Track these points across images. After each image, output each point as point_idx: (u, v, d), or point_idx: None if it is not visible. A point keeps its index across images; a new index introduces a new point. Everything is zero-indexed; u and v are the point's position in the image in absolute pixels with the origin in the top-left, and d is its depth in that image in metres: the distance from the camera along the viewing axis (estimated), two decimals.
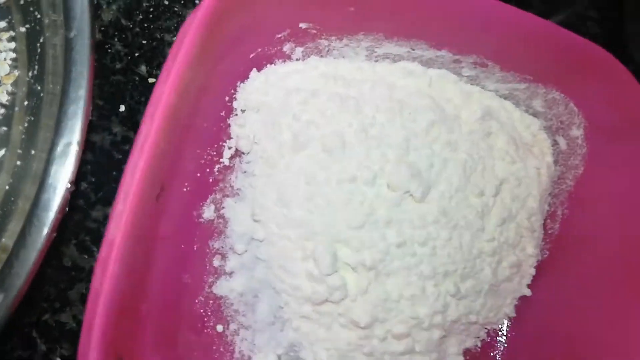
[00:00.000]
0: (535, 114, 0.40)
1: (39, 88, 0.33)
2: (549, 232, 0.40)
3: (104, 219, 0.36)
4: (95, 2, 0.38)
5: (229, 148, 0.37)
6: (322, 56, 0.39)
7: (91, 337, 0.26)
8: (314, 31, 0.37)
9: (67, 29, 0.30)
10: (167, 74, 0.28)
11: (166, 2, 0.39)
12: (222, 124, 0.37)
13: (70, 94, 0.30)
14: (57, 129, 0.30)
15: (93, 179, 0.37)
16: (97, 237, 0.36)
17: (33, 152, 0.32)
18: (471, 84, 0.40)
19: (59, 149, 0.30)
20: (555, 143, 0.40)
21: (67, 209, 0.29)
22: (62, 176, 0.29)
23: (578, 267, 0.38)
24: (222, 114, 0.37)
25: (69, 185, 0.29)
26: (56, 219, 0.29)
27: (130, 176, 0.27)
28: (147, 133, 0.27)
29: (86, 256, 0.36)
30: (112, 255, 0.26)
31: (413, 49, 0.38)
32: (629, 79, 0.33)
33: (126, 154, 0.37)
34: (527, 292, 0.39)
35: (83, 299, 0.35)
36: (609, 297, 0.35)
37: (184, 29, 0.30)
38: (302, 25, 0.37)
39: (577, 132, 0.38)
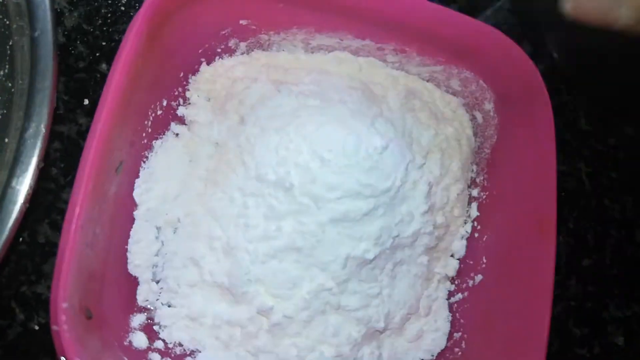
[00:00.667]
0: (454, 93, 0.46)
1: (9, 85, 0.38)
2: (474, 196, 0.45)
3: None
4: (58, 10, 0.43)
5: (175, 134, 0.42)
6: (264, 50, 0.45)
7: (59, 286, 0.30)
8: (254, 27, 0.43)
9: (32, 29, 0.36)
10: (116, 62, 0.33)
11: (122, 8, 0.45)
12: (173, 112, 0.42)
13: (37, 85, 0.35)
14: (27, 115, 0.35)
15: (62, 165, 0.42)
16: None
17: (6, 140, 0.37)
18: (397, 69, 0.46)
19: (30, 131, 0.35)
20: (473, 118, 0.46)
21: (36, 187, 0.34)
22: (33, 157, 0.34)
23: (498, 222, 0.43)
24: (174, 103, 0.43)
25: (39, 163, 0.34)
26: (27, 194, 0.34)
27: (87, 149, 0.32)
28: (100, 112, 0.32)
29: (58, 233, 0.40)
30: (74, 220, 0.31)
31: (342, 40, 0.43)
32: (520, 54, 0.39)
33: None
34: (458, 250, 0.44)
35: None
36: (522, 245, 0.41)
37: (132, 23, 0.36)
38: (242, 22, 0.42)
39: (488, 106, 0.44)
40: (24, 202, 0.33)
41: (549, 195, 0.39)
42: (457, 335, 0.43)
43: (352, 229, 0.39)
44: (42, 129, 0.34)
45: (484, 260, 0.43)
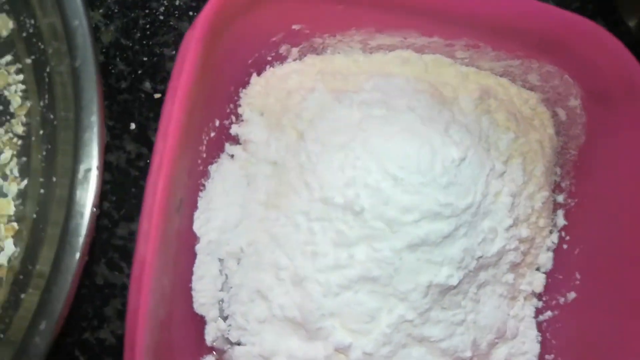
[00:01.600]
0: (532, 88, 0.41)
1: (51, 116, 0.35)
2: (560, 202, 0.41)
3: (130, 235, 0.38)
4: (93, 25, 0.40)
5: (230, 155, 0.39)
6: (317, 54, 0.41)
7: (134, 350, 0.28)
8: (307, 31, 0.39)
9: (72, 58, 0.32)
10: (174, 94, 0.30)
11: (161, 18, 0.41)
12: (226, 131, 0.39)
13: (84, 121, 0.32)
14: (76, 156, 0.32)
15: (114, 198, 0.39)
16: (125, 253, 0.38)
17: (54, 179, 0.34)
18: (466, 65, 0.41)
19: (80, 175, 0.32)
20: (555, 114, 0.41)
21: (94, 231, 0.31)
22: (87, 201, 0.32)
23: (593, 233, 0.39)
24: (226, 122, 0.39)
25: (94, 209, 0.31)
26: (86, 242, 0.31)
27: (152, 195, 0.29)
28: (162, 153, 0.29)
29: (117, 273, 0.38)
30: (145, 272, 0.28)
31: (405, 38, 0.39)
32: (618, 47, 0.34)
33: (142, 170, 0.39)
34: (544, 263, 0.41)
35: (119, 314, 0.37)
36: (622, 261, 0.37)
37: (183, 46, 0.32)
38: (295, 26, 0.38)
39: (574, 102, 0.39)
40: (82, 255, 0.31)
41: None
42: (548, 357, 0.39)
43: (432, 253, 0.36)
44: (95, 172, 0.31)
45: (578, 276, 0.39)
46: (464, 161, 0.36)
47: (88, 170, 0.32)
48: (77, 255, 0.31)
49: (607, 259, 0.38)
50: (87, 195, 0.32)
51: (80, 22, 0.32)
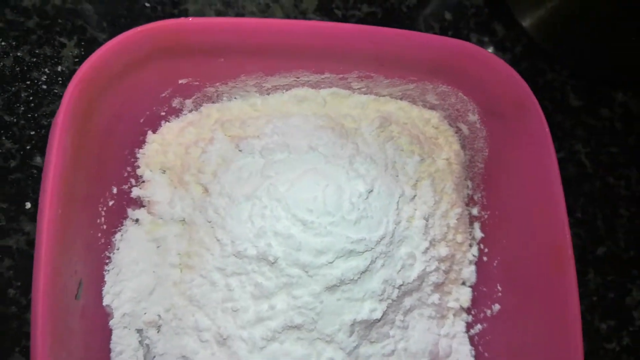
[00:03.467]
0: (433, 107, 0.42)
1: None
2: (475, 215, 0.42)
3: None
4: None
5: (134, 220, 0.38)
6: (213, 102, 0.40)
7: None
8: (196, 83, 0.38)
9: None
10: (44, 186, 0.28)
11: (44, 87, 0.39)
12: (126, 196, 0.37)
13: None
14: None
15: (18, 283, 0.37)
16: None
17: None
18: (364, 94, 0.41)
19: None
20: (458, 130, 0.42)
21: None
22: None
23: (507, 243, 0.40)
24: (126, 187, 0.38)
25: None
26: None
27: (36, 280, 0.28)
28: (39, 233, 0.28)
29: None
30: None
31: (298, 77, 0.39)
32: (502, 66, 0.35)
33: None
34: (469, 277, 0.41)
35: None
36: (538, 268, 0.38)
37: (54, 120, 0.31)
38: (182, 81, 0.37)
39: (473, 117, 0.40)
40: None
41: (558, 210, 0.35)
42: None
43: (352, 291, 0.36)
44: None
45: (499, 288, 0.40)
46: (371, 193, 0.36)
47: None
48: None
49: (522, 265, 0.38)
50: None
51: None
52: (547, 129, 0.34)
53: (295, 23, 0.33)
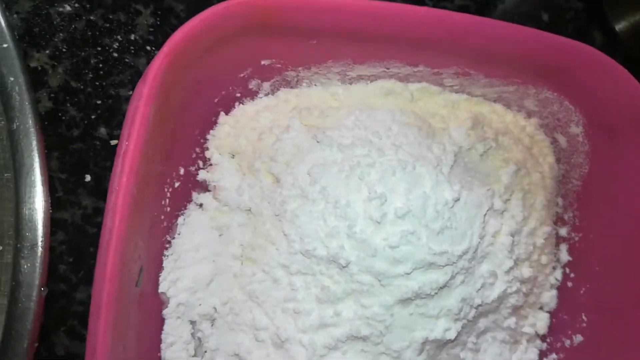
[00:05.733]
0: (529, 114, 0.38)
1: None
2: (563, 236, 0.39)
3: (90, 299, 0.35)
4: (39, 68, 0.36)
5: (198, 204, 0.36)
6: (292, 87, 0.38)
7: None
8: (279, 65, 0.35)
9: (9, 121, 0.29)
10: (126, 145, 0.26)
11: (115, 55, 0.38)
12: (192, 179, 0.35)
13: (24, 194, 0.29)
14: (17, 232, 0.28)
15: (70, 259, 0.36)
16: (85, 319, 0.35)
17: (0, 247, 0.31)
18: (456, 93, 0.38)
19: (25, 252, 0.28)
20: (554, 141, 0.39)
21: (44, 310, 0.28)
22: (33, 280, 0.28)
23: (600, 271, 0.37)
24: (192, 168, 0.36)
25: (42, 290, 0.28)
26: (35, 327, 0.28)
27: (102, 267, 0.26)
28: (113, 214, 0.26)
29: (78, 341, 0.35)
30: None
31: (388, 68, 0.36)
32: (623, 74, 0.32)
33: (100, 227, 0.35)
34: (548, 302, 0.38)
35: None
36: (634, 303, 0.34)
37: (137, 90, 0.29)
38: (264, 62, 0.35)
39: (576, 130, 0.37)
40: (30, 343, 0.27)
41: None
42: None
43: (427, 306, 0.33)
44: (40, 249, 0.28)
45: (584, 318, 0.37)
46: (458, 202, 0.33)
47: (33, 247, 0.28)
48: (25, 342, 0.28)
49: (615, 298, 0.35)
50: (34, 274, 0.28)
51: (15, 78, 0.29)
52: None
53: (399, 7, 0.30)
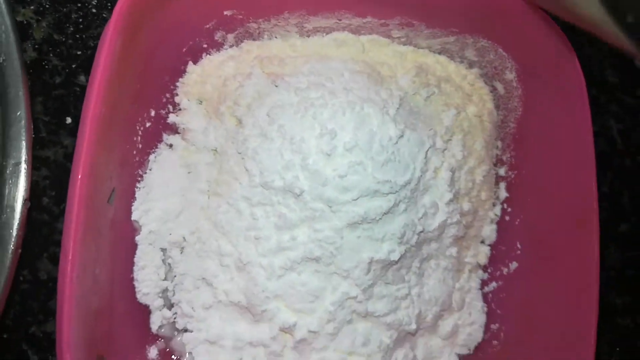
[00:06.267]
0: (470, 65, 0.43)
1: None
2: (502, 175, 0.43)
3: None
4: (24, 22, 0.40)
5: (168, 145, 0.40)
6: (254, 39, 0.42)
7: (62, 340, 0.29)
8: (240, 16, 0.39)
9: None
10: (91, 83, 0.30)
11: (94, 11, 0.42)
12: (163, 121, 0.39)
13: (10, 116, 0.33)
14: (4, 151, 0.32)
15: (53, 193, 0.40)
16: None
17: None
18: (403, 44, 0.42)
19: (9, 169, 0.32)
20: (493, 89, 0.43)
21: (27, 224, 0.32)
22: (17, 195, 0.32)
23: (532, 204, 0.41)
24: (163, 112, 0.40)
25: (24, 201, 0.32)
26: (18, 235, 0.32)
27: (72, 189, 0.30)
28: (80, 146, 0.30)
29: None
30: (68, 264, 0.29)
31: (340, 20, 0.40)
32: (544, 18, 0.36)
33: None
34: (488, 235, 0.42)
35: None
36: (561, 229, 0.39)
37: (103, 36, 0.33)
38: (227, 12, 0.39)
39: (510, 75, 0.41)
40: (15, 249, 0.31)
41: (588, 174, 0.36)
42: (494, 327, 0.41)
43: (373, 230, 0.37)
44: (24, 166, 0.32)
45: (519, 246, 0.41)
46: (401, 138, 0.37)
47: (17, 164, 0.32)
48: (10, 248, 0.32)
49: (545, 227, 0.39)
50: (18, 189, 0.32)
51: (2, 20, 0.33)
52: (584, 87, 0.35)
53: None
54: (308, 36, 0.42)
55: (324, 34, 0.42)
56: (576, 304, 0.37)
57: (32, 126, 0.33)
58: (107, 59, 0.30)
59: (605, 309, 0.46)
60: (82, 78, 0.41)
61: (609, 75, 0.50)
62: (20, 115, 0.33)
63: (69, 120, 0.40)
